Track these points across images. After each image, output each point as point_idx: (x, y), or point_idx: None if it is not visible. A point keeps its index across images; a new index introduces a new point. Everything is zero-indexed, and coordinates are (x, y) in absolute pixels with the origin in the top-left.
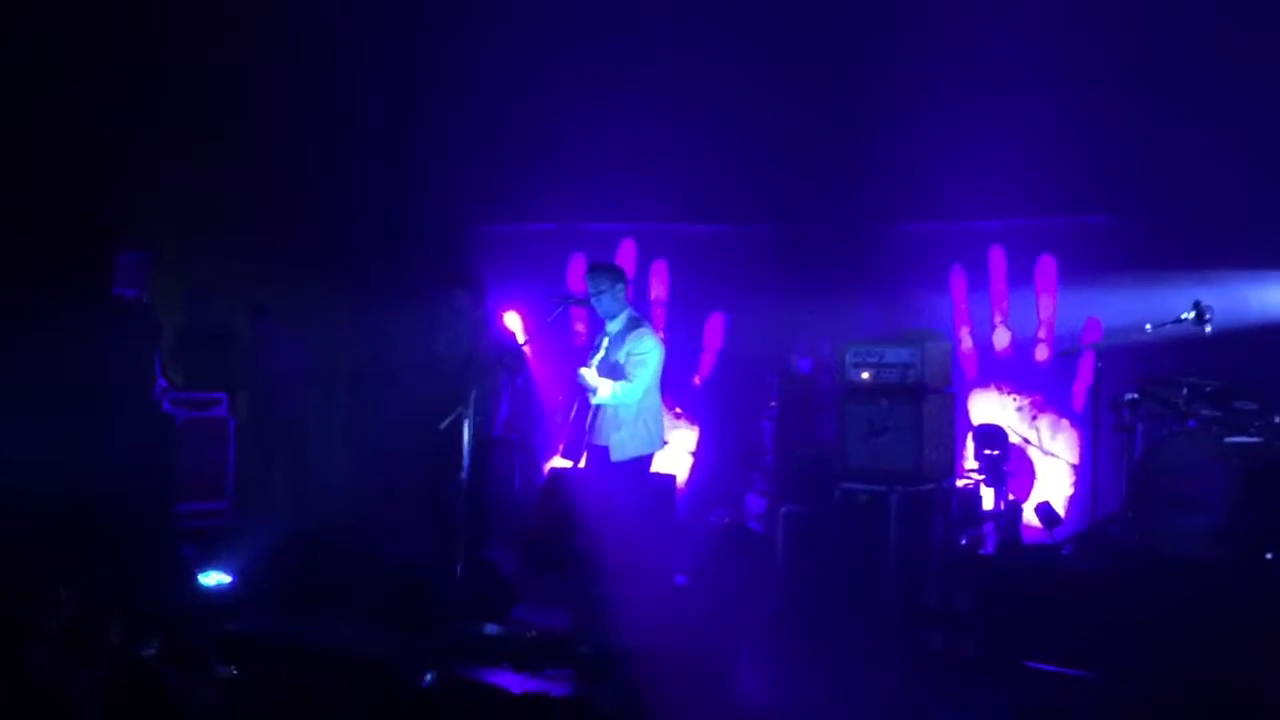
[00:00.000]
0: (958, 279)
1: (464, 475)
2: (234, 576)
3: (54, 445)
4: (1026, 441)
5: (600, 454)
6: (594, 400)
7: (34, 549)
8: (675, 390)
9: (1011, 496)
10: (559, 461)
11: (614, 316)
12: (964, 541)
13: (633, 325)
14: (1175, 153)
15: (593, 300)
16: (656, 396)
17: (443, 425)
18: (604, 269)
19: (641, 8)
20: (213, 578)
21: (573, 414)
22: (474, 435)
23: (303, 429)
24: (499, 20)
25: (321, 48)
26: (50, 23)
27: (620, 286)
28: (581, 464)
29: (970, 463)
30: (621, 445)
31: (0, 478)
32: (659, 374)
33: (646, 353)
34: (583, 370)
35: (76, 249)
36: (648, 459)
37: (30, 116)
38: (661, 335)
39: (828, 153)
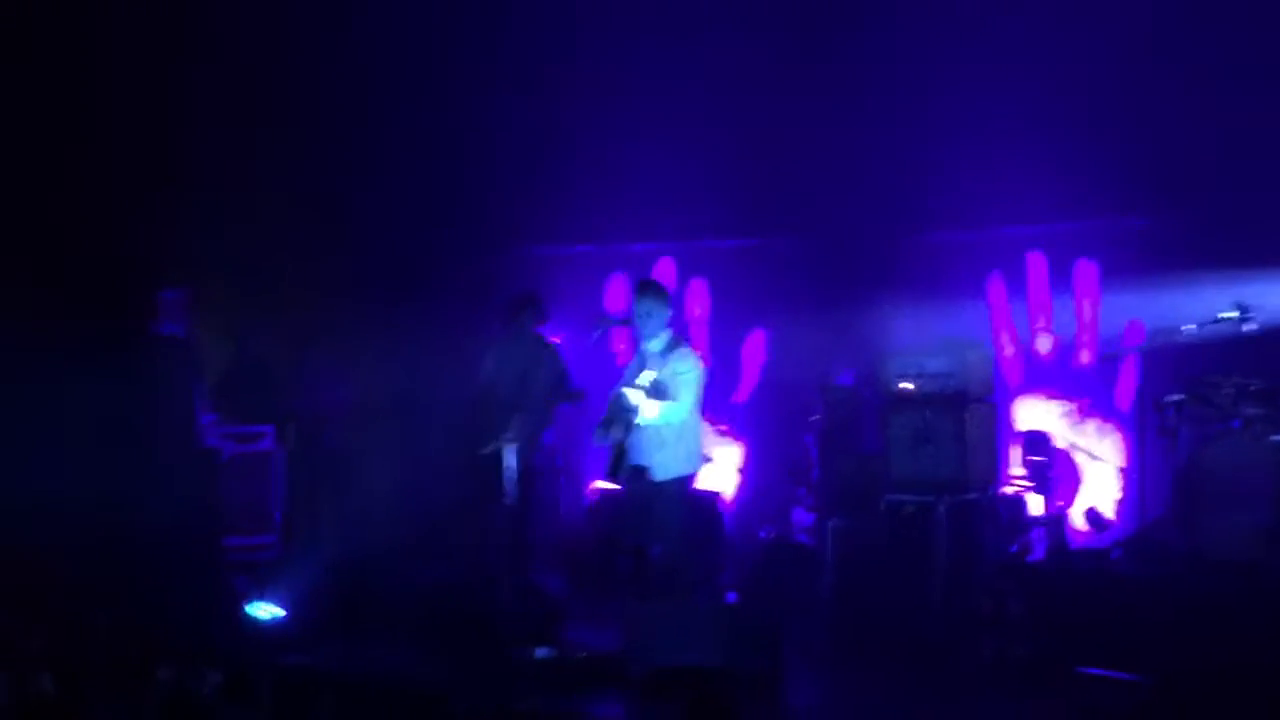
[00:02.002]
0: (996, 286)
1: (508, 500)
2: (284, 609)
3: (100, 483)
4: (1072, 446)
5: (642, 474)
6: (639, 420)
7: (83, 587)
8: (718, 408)
9: (1059, 502)
10: (603, 483)
11: (655, 336)
12: (1013, 549)
13: (674, 345)
14: (1212, 151)
15: (638, 320)
16: (697, 415)
17: (485, 450)
18: (653, 289)
19: (671, 26)
20: (262, 610)
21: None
22: (528, 459)
23: (348, 459)
24: (531, 45)
25: (357, 78)
26: (87, 63)
27: (666, 307)
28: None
29: (1016, 469)
30: (665, 465)
31: (48, 517)
32: (700, 394)
33: (690, 371)
34: (627, 390)
35: (117, 288)
36: (690, 478)
37: (71, 156)
38: (700, 354)
39: (862, 162)
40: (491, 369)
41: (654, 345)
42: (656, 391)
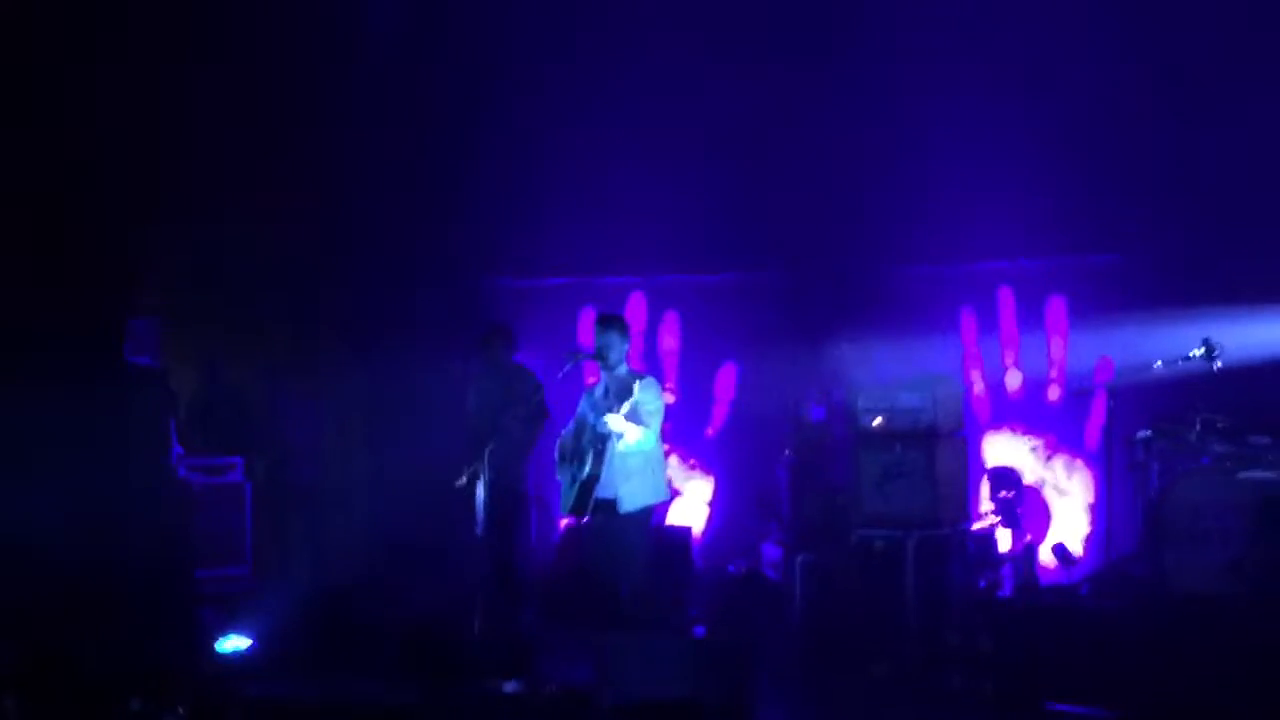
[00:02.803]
0: (968, 321)
1: (479, 531)
2: (254, 640)
3: (71, 513)
4: (1041, 482)
5: (608, 507)
6: (620, 446)
7: (53, 617)
8: (689, 441)
9: (1028, 538)
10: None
11: (617, 367)
12: (981, 584)
13: (635, 376)
14: (1182, 189)
15: (601, 353)
16: (660, 447)
17: (459, 483)
18: (614, 321)
19: (647, 60)
20: (232, 642)
21: (585, 469)
22: (503, 489)
23: (319, 491)
24: (506, 77)
25: (335, 111)
26: (66, 92)
27: (627, 340)
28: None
29: (985, 505)
30: (632, 495)
31: (18, 546)
32: (661, 423)
33: (656, 400)
34: (610, 416)
35: (88, 316)
36: (657, 508)
37: (47, 186)
38: (670, 386)
39: (834, 198)
40: (472, 402)
41: (617, 375)
42: (634, 416)
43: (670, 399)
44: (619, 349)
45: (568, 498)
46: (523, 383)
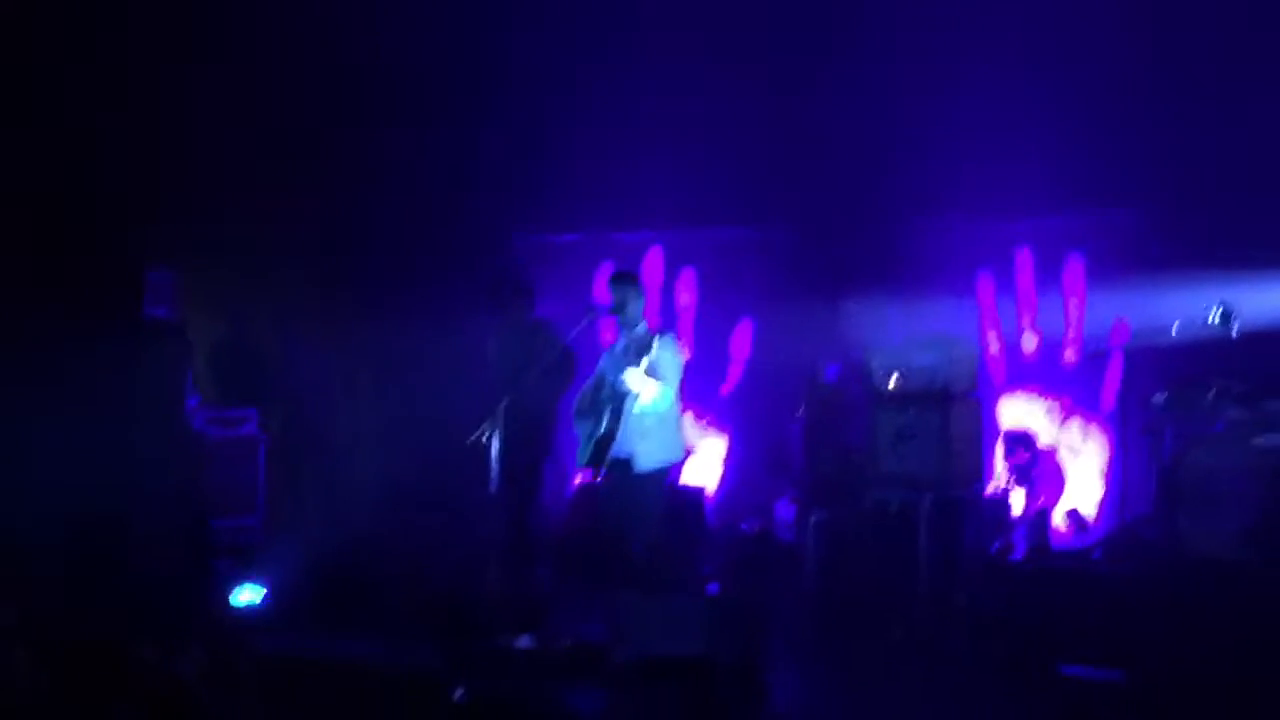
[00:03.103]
0: (984, 282)
1: (493, 488)
2: (267, 592)
3: (87, 465)
4: (1056, 445)
5: (623, 465)
6: (636, 406)
7: (67, 568)
8: (704, 398)
9: (1041, 500)
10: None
11: (633, 326)
12: (995, 547)
13: (655, 332)
14: (1204, 151)
15: (618, 309)
16: (678, 404)
17: (471, 440)
18: (628, 278)
19: (663, 15)
20: (246, 594)
21: (601, 424)
22: (521, 445)
23: (333, 443)
24: (522, 33)
25: (344, 61)
26: (80, 40)
27: (641, 298)
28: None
29: (1000, 467)
30: (648, 454)
31: (35, 499)
32: (680, 381)
33: (675, 357)
34: (629, 373)
35: (105, 269)
36: (672, 467)
37: (60, 138)
38: (685, 343)
39: (853, 154)
40: (492, 357)
41: (635, 333)
42: (654, 373)
43: (685, 356)
44: (635, 305)
45: (584, 452)
46: (544, 338)
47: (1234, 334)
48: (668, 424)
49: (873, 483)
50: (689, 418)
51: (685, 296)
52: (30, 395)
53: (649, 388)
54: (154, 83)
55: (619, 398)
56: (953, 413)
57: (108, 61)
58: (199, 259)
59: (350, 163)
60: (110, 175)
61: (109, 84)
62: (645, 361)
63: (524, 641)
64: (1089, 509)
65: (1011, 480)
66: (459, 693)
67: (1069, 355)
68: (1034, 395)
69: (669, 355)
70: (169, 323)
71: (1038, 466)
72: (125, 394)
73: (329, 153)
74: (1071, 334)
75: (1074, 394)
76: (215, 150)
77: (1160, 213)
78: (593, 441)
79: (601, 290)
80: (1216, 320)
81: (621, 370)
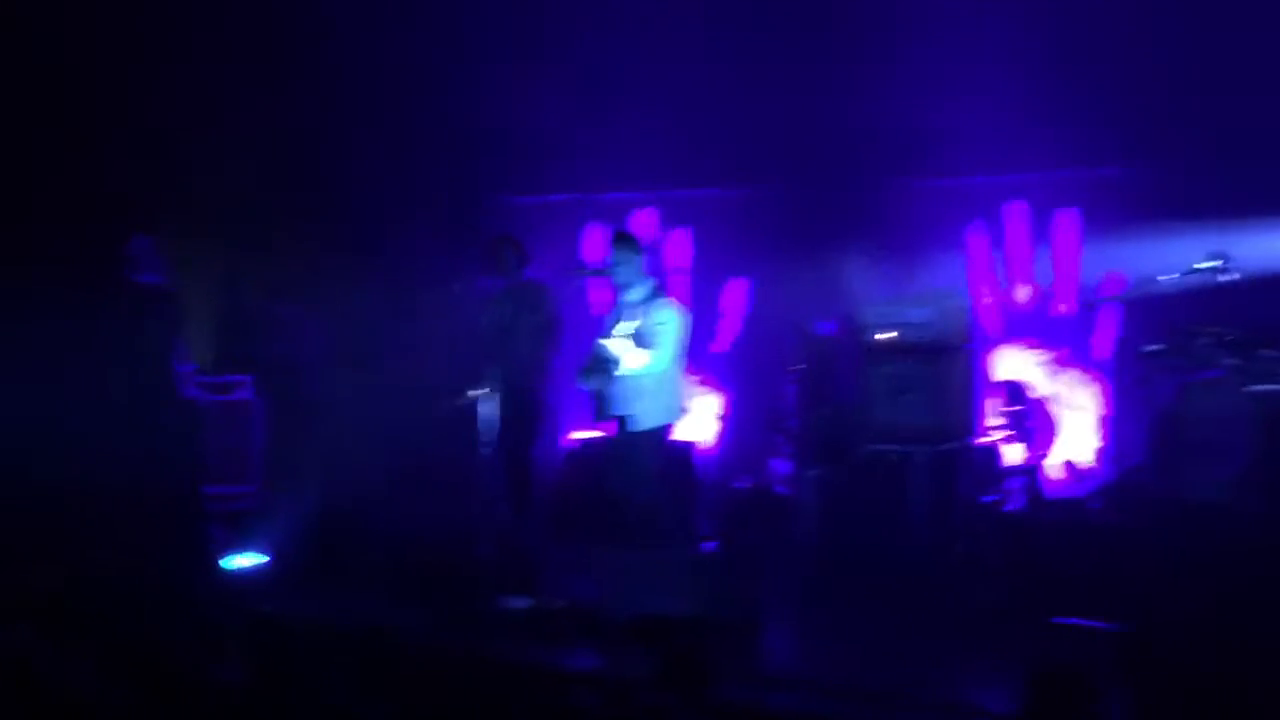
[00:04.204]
0: (977, 235)
1: (486, 450)
2: (263, 557)
3: (79, 431)
4: (1051, 396)
5: (620, 425)
6: (619, 371)
7: (62, 538)
8: (698, 357)
9: (1037, 452)
10: (581, 433)
11: (632, 287)
12: (990, 498)
13: (654, 295)
14: (1193, 100)
15: (612, 270)
16: (678, 366)
17: (463, 400)
18: (625, 239)
19: None
20: (241, 560)
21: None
22: (517, 404)
23: (328, 408)
24: None
25: (336, 24)
26: (60, 15)
27: (640, 258)
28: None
29: (994, 419)
30: (644, 415)
31: (28, 466)
32: (680, 344)
33: (670, 321)
34: (604, 341)
35: (90, 235)
36: (668, 429)
37: (50, 107)
38: (681, 304)
39: (843, 111)
40: (484, 318)
41: (633, 295)
42: (638, 341)
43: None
44: (628, 268)
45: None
46: (535, 297)
47: (1227, 280)
48: (665, 386)
49: (867, 436)
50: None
51: (678, 257)
52: (15, 365)
53: (633, 355)
54: (148, 49)
55: (609, 361)
56: (946, 365)
57: (96, 26)
58: (191, 225)
59: (336, 125)
60: (96, 141)
61: (95, 49)
62: (627, 328)
63: (518, 602)
64: (1084, 459)
65: (1006, 431)
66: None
67: (1062, 306)
68: (1028, 347)
69: (663, 319)
70: (159, 288)
71: (1032, 417)
72: (115, 360)
73: (318, 116)
74: (1064, 285)
75: (1068, 345)
76: (201, 117)
77: (1152, 168)
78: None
79: (590, 250)
80: (1209, 268)
81: (609, 334)
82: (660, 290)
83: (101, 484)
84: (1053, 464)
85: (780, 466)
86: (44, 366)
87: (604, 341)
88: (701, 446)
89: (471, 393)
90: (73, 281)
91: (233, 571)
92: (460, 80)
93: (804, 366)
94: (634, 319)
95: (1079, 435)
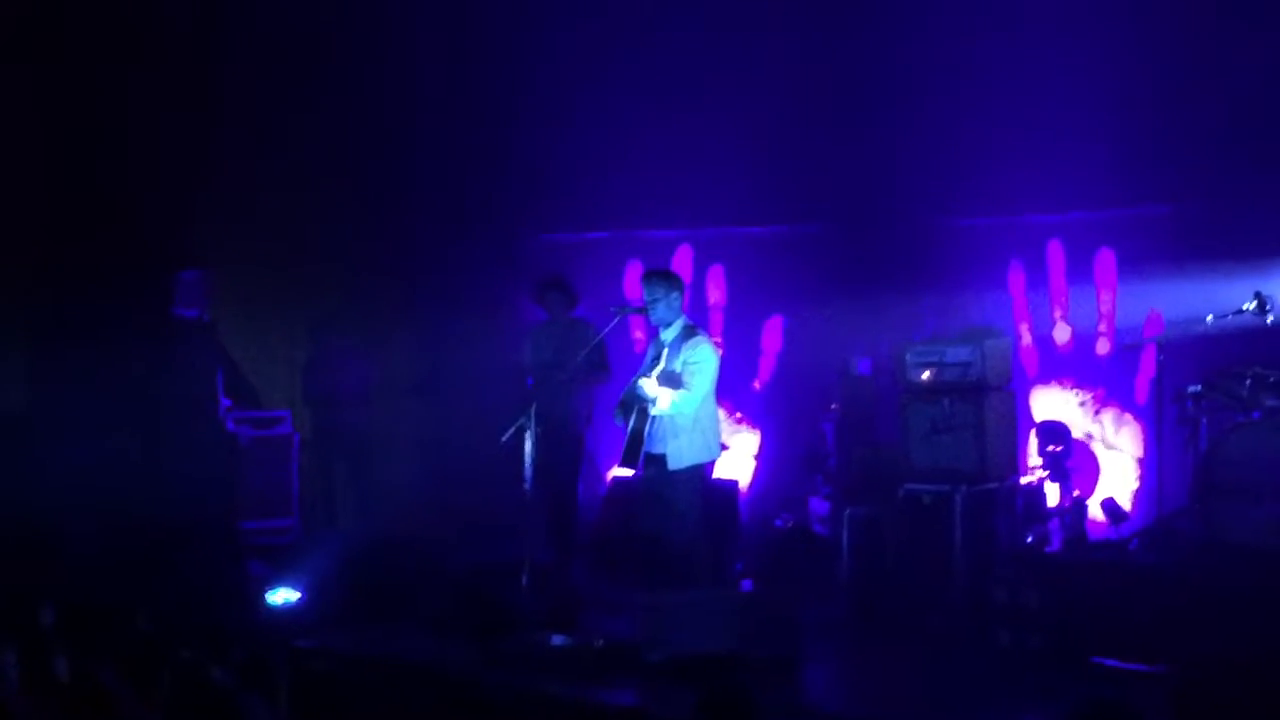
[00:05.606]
0: (1016, 274)
1: (527, 487)
2: (302, 593)
3: (119, 466)
4: (1090, 437)
5: (658, 462)
6: (653, 411)
7: (101, 571)
8: (736, 395)
9: (1076, 493)
10: (619, 470)
11: (668, 324)
12: (1029, 539)
13: (688, 334)
14: (1235, 140)
15: (648, 308)
16: (713, 404)
17: (505, 438)
18: (659, 276)
19: (692, 9)
20: (281, 594)
21: (630, 423)
22: (557, 443)
23: (366, 443)
24: (551, 29)
25: (380, 62)
26: (111, 44)
27: (676, 295)
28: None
29: (1034, 460)
30: (679, 453)
31: (66, 497)
32: (715, 381)
33: (703, 360)
34: (642, 380)
35: (136, 269)
36: (706, 466)
37: (92, 137)
38: (718, 341)
39: (882, 150)
40: (528, 356)
41: (668, 334)
42: (669, 381)
43: (720, 353)
44: (665, 305)
45: (625, 448)
46: (582, 335)
47: (1269, 322)
48: (701, 424)
49: (906, 476)
50: (721, 414)
51: (715, 293)
52: (62, 394)
53: (664, 395)
54: (189, 82)
55: (642, 399)
56: (986, 405)
57: (145, 59)
58: (232, 260)
59: (380, 163)
60: (145, 175)
61: (145, 82)
62: (656, 370)
63: (557, 639)
64: (1125, 500)
65: (1046, 472)
66: None
67: (1102, 347)
68: (1067, 387)
69: (698, 357)
70: (198, 322)
71: (1072, 458)
72: (156, 393)
73: (362, 152)
74: (1104, 326)
75: (1107, 386)
76: (249, 151)
77: (1193, 208)
78: (628, 437)
79: (631, 288)
80: (1252, 309)
81: (647, 372)
82: (694, 327)
83: (139, 517)
84: (1093, 505)
85: (819, 506)
86: (85, 397)
87: (640, 380)
88: (740, 485)
89: (516, 427)
90: (115, 312)
91: (273, 606)
92: (504, 118)
93: (842, 406)
94: (670, 356)
95: (1119, 477)
